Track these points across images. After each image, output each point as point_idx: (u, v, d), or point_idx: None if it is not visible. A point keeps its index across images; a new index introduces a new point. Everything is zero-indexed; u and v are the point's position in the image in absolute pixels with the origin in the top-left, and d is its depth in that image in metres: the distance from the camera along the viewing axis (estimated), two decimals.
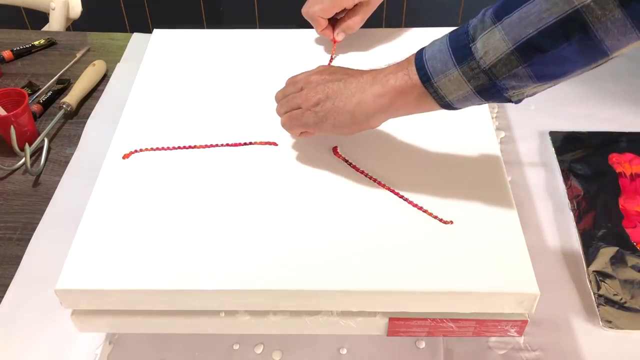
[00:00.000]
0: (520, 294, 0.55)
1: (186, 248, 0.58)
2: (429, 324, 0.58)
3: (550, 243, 0.73)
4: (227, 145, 0.69)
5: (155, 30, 0.86)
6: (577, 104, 0.91)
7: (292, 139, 0.69)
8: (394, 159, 0.67)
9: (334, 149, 0.68)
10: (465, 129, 0.70)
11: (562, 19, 0.47)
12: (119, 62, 1.03)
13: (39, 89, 0.98)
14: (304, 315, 0.58)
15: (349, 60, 0.81)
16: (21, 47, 1.06)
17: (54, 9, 1.31)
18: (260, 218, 0.61)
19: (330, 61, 0.81)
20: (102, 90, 0.98)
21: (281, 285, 0.55)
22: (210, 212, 0.61)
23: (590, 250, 0.71)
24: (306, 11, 0.80)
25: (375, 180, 0.64)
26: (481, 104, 0.57)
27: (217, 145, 0.69)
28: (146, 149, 0.68)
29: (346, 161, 0.67)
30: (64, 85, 0.98)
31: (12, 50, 1.05)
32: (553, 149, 0.84)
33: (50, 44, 1.08)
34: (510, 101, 0.54)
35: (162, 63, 0.81)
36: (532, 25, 0.48)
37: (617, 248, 0.71)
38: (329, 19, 0.80)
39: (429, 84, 0.56)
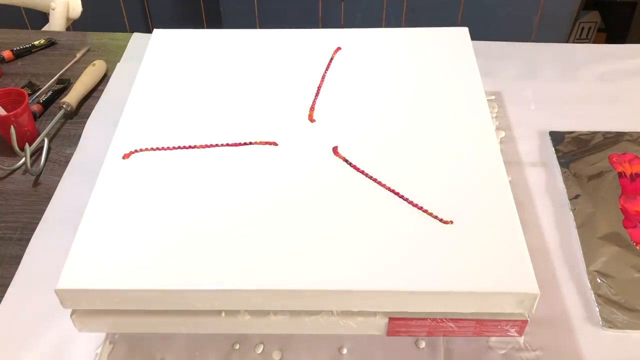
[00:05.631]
0: (520, 294, 0.55)
1: (186, 248, 0.58)
2: (429, 324, 0.58)
3: (550, 243, 0.73)
4: (227, 145, 0.69)
5: (155, 30, 0.86)
6: (577, 104, 0.91)
7: (292, 139, 0.69)
8: (394, 159, 0.67)
9: (334, 149, 0.68)
10: (465, 129, 0.70)
11: None
12: (119, 62, 1.03)
13: (39, 89, 0.98)
14: (304, 315, 0.58)
15: (348, 60, 0.81)
16: (21, 47, 1.06)
17: (54, 9, 1.31)
18: (260, 218, 0.61)
19: (330, 62, 0.81)
20: (102, 90, 0.98)
21: (281, 285, 0.55)
22: (210, 212, 0.61)
23: (590, 250, 0.71)
24: None
25: (375, 180, 0.64)
26: None
27: (217, 145, 0.69)
28: (146, 149, 0.68)
29: (346, 161, 0.67)
30: (64, 85, 0.98)
31: (12, 50, 1.05)
32: (553, 149, 0.84)
33: (50, 44, 1.08)
34: None
35: (162, 63, 0.81)
36: None
37: (617, 248, 0.71)
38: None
39: None
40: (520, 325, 0.58)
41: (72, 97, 0.93)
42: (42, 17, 1.39)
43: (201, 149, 0.69)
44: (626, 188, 0.78)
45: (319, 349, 0.64)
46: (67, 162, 0.85)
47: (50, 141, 0.89)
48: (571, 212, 0.76)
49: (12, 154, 0.85)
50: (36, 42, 1.07)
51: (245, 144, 0.69)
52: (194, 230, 0.60)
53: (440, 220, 0.60)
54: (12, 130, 0.84)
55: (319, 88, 0.76)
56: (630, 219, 0.74)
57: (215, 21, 1.87)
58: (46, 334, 0.65)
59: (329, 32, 0.85)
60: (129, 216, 0.61)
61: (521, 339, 0.64)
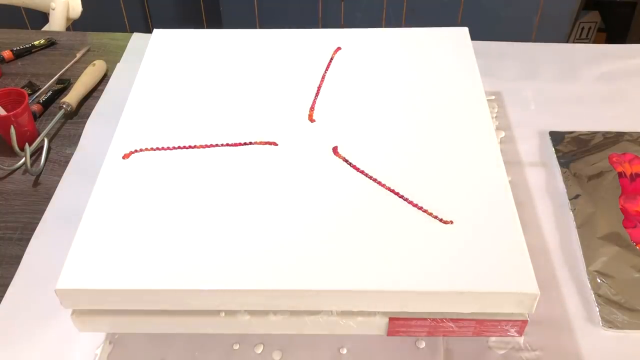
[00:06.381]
0: (520, 294, 0.55)
1: (186, 248, 0.58)
2: (429, 324, 0.58)
3: (550, 243, 0.73)
4: (227, 145, 0.69)
5: (155, 30, 0.86)
6: (577, 104, 0.91)
7: (292, 139, 0.69)
8: (394, 159, 0.67)
9: (334, 149, 0.68)
10: (465, 129, 0.70)
11: None
12: (119, 62, 1.03)
13: (39, 89, 0.98)
14: (304, 315, 0.58)
15: (348, 60, 0.81)
16: (21, 47, 1.06)
17: (54, 9, 1.31)
18: (260, 218, 0.61)
19: (330, 62, 0.81)
20: (102, 90, 0.98)
21: (281, 285, 0.55)
22: (210, 211, 0.61)
23: (590, 250, 0.71)
24: None
25: (375, 180, 0.64)
26: None
27: (217, 145, 0.69)
28: (146, 149, 0.68)
29: (346, 161, 0.67)
30: (64, 85, 0.98)
31: (12, 50, 1.05)
32: (553, 149, 0.84)
33: (50, 44, 1.08)
34: None
35: (162, 63, 0.81)
36: None
37: (617, 248, 0.71)
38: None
39: None
40: (520, 325, 0.58)
41: (72, 97, 0.93)
42: (42, 17, 1.39)
43: (201, 149, 0.69)
44: (626, 188, 0.78)
45: (319, 349, 0.64)
46: (67, 162, 0.85)
47: (50, 141, 0.89)
48: (571, 212, 0.76)
49: (12, 154, 0.85)
50: (36, 42, 1.07)
51: (245, 144, 0.69)
52: (194, 230, 0.60)
53: (440, 220, 0.60)
54: (12, 130, 0.84)
55: (319, 88, 0.76)
56: (630, 219, 0.74)
57: (215, 21, 1.87)
58: (46, 334, 0.65)
59: (329, 32, 0.85)
60: (128, 216, 0.61)
61: (521, 339, 0.64)
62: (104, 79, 1.00)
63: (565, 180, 0.80)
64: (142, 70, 0.80)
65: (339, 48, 0.82)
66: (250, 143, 0.69)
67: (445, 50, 0.81)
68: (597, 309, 0.66)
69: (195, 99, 0.75)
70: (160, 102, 0.75)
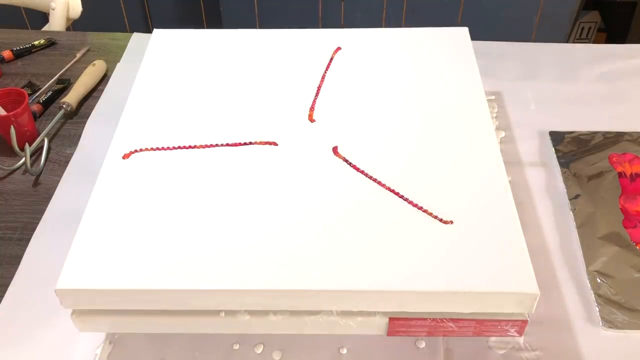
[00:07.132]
0: (520, 294, 0.55)
1: (186, 248, 0.58)
2: (429, 324, 0.58)
3: (550, 243, 0.73)
4: (227, 145, 0.69)
5: (155, 30, 0.86)
6: (577, 104, 0.91)
7: (292, 139, 0.69)
8: (394, 159, 0.67)
9: (334, 149, 0.68)
10: (466, 129, 0.70)
11: None
12: (119, 62, 1.03)
13: (39, 89, 0.98)
14: (304, 315, 0.58)
15: (348, 60, 0.81)
16: (21, 47, 1.06)
17: (54, 9, 1.31)
18: (260, 218, 0.61)
19: (330, 62, 0.81)
20: (102, 90, 0.98)
21: (281, 285, 0.55)
22: (210, 212, 0.61)
23: (590, 250, 0.71)
24: None
25: (375, 180, 0.64)
26: None
27: (217, 145, 0.69)
28: (146, 149, 0.68)
29: (346, 161, 0.67)
30: (64, 85, 0.98)
31: (12, 50, 1.05)
32: (553, 149, 0.84)
33: (50, 44, 1.08)
34: None
35: (162, 63, 0.81)
36: None
37: (617, 248, 0.71)
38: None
39: None
40: (520, 325, 0.58)
41: (72, 97, 0.93)
42: (42, 17, 1.39)
43: (201, 149, 0.69)
44: (626, 188, 0.78)
45: (319, 349, 0.64)
46: (67, 162, 0.85)
47: (50, 141, 0.89)
48: (571, 212, 0.76)
49: (12, 154, 0.85)
50: (36, 42, 1.07)
51: (245, 144, 0.69)
52: (194, 230, 0.60)
53: (440, 220, 0.60)
54: (12, 130, 0.84)
55: (319, 88, 0.76)
56: (630, 219, 0.74)
57: (215, 21, 1.87)
58: (46, 334, 0.65)
59: (329, 32, 0.86)
60: (128, 216, 0.61)
61: (521, 339, 0.64)
62: (104, 79, 1.00)
63: (565, 180, 0.80)
64: (142, 70, 0.80)
65: (339, 48, 0.82)
66: (250, 143, 0.69)
67: (445, 50, 0.81)
68: (597, 309, 0.66)
69: (195, 99, 0.75)
70: (160, 102, 0.75)
